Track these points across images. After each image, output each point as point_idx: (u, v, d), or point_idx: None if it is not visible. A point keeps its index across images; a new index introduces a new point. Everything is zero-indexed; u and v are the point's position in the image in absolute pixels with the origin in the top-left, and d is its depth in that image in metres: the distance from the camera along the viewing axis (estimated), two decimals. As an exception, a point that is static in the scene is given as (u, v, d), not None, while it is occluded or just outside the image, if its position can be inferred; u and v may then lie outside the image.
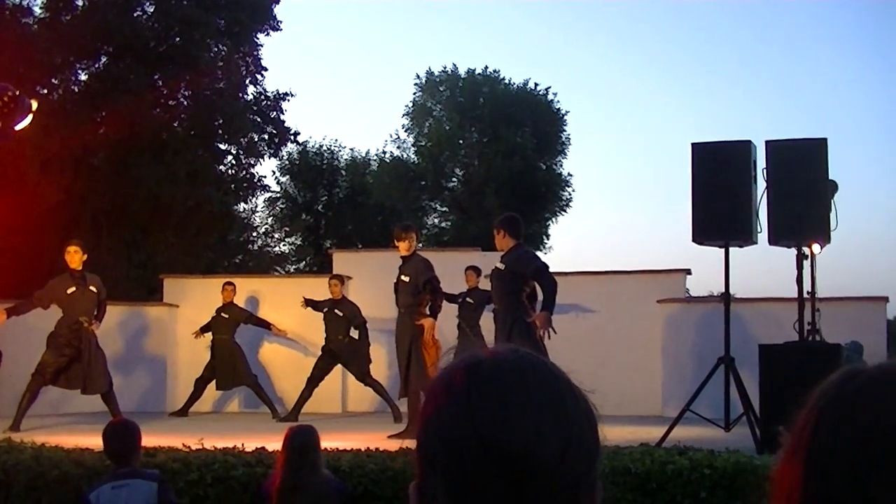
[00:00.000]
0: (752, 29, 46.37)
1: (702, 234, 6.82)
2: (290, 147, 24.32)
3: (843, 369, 0.80)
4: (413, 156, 28.61)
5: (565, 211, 28.10)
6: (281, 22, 20.39)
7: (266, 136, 20.82)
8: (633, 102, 44.75)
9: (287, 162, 28.72)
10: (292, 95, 20.63)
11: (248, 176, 21.12)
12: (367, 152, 30.40)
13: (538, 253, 10.00)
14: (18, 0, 17.58)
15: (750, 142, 6.84)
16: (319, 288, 10.09)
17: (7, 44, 15.95)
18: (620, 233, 46.01)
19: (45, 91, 17.29)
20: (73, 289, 8.08)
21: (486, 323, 8.34)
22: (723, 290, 7.09)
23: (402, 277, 7.57)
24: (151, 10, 19.06)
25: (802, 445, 0.76)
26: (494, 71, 28.02)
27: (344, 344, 9.56)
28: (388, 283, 7.92)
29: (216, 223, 19.62)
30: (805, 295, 6.73)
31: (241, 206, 23.40)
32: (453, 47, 50.99)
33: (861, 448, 0.72)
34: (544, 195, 27.14)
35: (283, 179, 29.33)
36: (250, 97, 20.35)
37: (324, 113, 49.13)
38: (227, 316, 10.04)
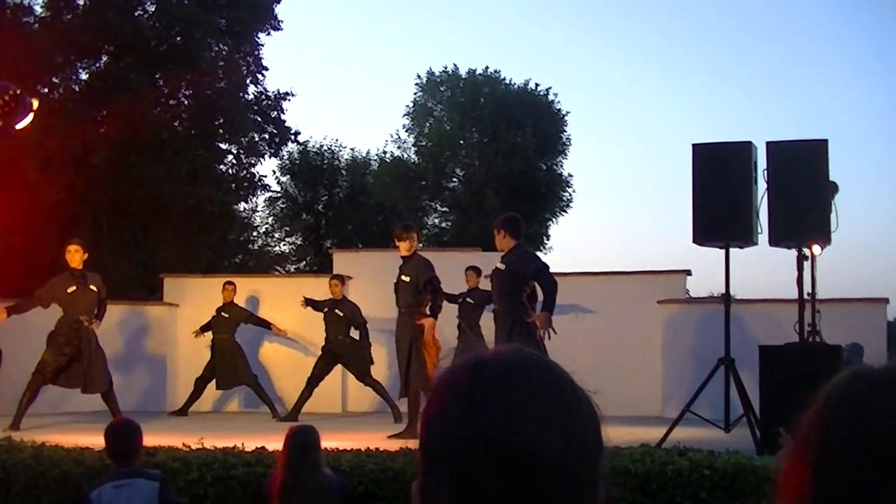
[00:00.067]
0: (753, 30, 46.40)
1: (702, 234, 6.82)
2: (291, 147, 24.35)
3: (850, 370, 0.80)
4: (413, 156, 28.62)
5: (566, 211, 28.13)
6: (282, 21, 20.43)
7: (267, 136, 20.83)
8: (633, 103, 44.78)
9: (287, 161, 28.73)
10: (293, 95, 20.67)
11: (248, 175, 21.13)
12: (368, 152, 30.45)
13: (538, 253, 10.01)
14: (19, -1, 17.59)
15: (751, 143, 6.84)
16: (320, 288, 10.09)
17: (8, 43, 15.95)
18: (621, 233, 46.04)
19: (46, 90, 17.30)
20: (74, 288, 8.08)
21: (486, 323, 8.34)
22: (723, 290, 7.10)
23: (403, 277, 7.57)
24: (152, 9, 19.07)
25: (810, 446, 0.76)
26: (495, 71, 28.05)
27: (344, 344, 9.56)
28: (388, 283, 7.92)
29: (216, 223, 19.62)
30: (805, 296, 6.73)
31: (242, 205, 23.42)
32: (454, 47, 51.06)
33: (869, 449, 0.72)
34: (545, 195, 27.14)
35: (283, 179, 29.36)
36: (251, 97, 20.36)
37: (324, 113, 49.15)
38: (227, 315, 10.04)
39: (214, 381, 9.98)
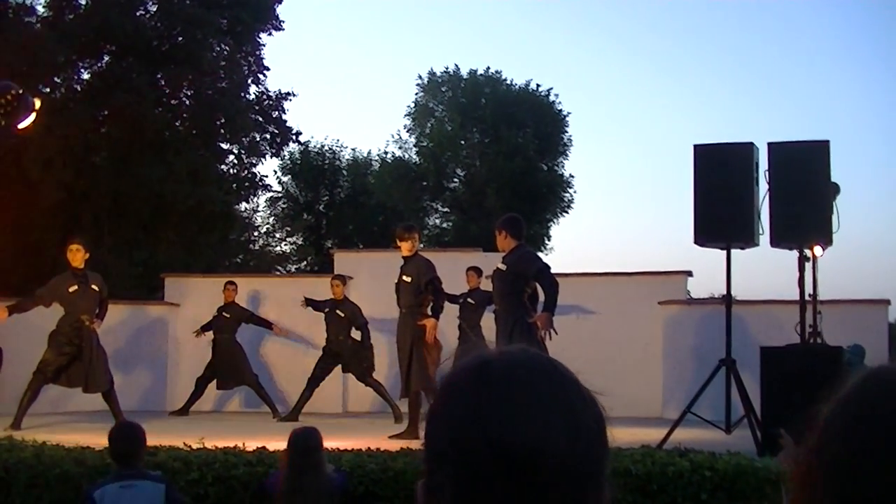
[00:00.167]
0: (754, 31, 46.39)
1: (703, 235, 6.81)
2: (292, 147, 24.37)
3: (865, 371, 0.80)
4: (415, 156, 28.63)
5: (566, 212, 28.12)
6: (283, 22, 20.44)
7: (268, 136, 20.83)
8: (635, 104, 44.77)
9: (289, 162, 28.75)
10: (294, 95, 20.67)
11: (249, 175, 21.14)
12: (369, 152, 30.47)
13: (539, 254, 10.00)
14: (21, -2, 17.60)
15: (752, 144, 6.83)
16: (321, 288, 10.09)
17: (10, 42, 15.97)
18: (622, 234, 46.00)
19: (48, 90, 17.30)
20: (75, 287, 8.08)
21: (487, 324, 8.34)
22: (724, 291, 7.10)
23: (404, 278, 7.57)
24: (154, 9, 19.08)
25: (824, 446, 0.76)
26: (496, 72, 28.06)
27: (345, 345, 9.56)
28: (389, 283, 7.92)
29: (217, 222, 19.63)
30: (806, 297, 6.73)
31: (243, 205, 23.44)
32: (455, 48, 51.06)
33: (884, 448, 0.72)
34: (546, 196, 27.14)
35: (284, 179, 29.38)
36: (252, 97, 20.37)
37: (325, 113, 49.17)
38: (228, 315, 10.04)
39: (215, 380, 9.98)
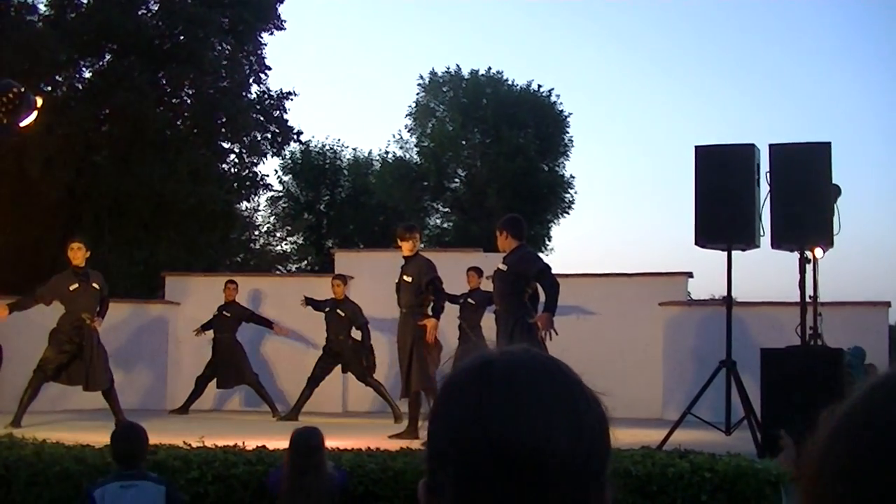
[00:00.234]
0: (756, 32, 46.38)
1: (704, 236, 6.81)
2: (293, 146, 24.38)
3: (874, 379, 0.80)
4: (415, 156, 28.63)
5: (567, 213, 28.12)
6: (285, 21, 20.43)
7: (269, 135, 20.84)
8: (636, 105, 44.76)
9: (290, 161, 28.75)
10: (295, 95, 20.67)
11: (250, 175, 21.14)
12: (370, 152, 30.48)
13: (540, 254, 9.99)
14: (23, -3, 17.60)
15: (753, 145, 6.83)
16: (321, 287, 10.09)
17: (11, 41, 15.97)
18: (622, 235, 46.01)
19: (49, 88, 17.31)
20: (76, 285, 8.08)
21: (488, 324, 8.34)
22: (724, 293, 7.09)
23: (405, 277, 7.57)
24: (156, 8, 19.09)
25: (829, 452, 0.76)
26: (497, 72, 28.06)
27: (345, 344, 9.56)
28: (389, 283, 7.92)
29: (218, 222, 19.63)
30: (807, 299, 6.73)
31: (244, 204, 23.44)
32: (457, 48, 51.07)
33: (890, 455, 0.72)
34: (546, 197, 27.14)
35: (285, 178, 29.38)
36: (253, 96, 20.37)
37: (327, 112, 49.19)
38: (229, 314, 10.04)
39: (215, 379, 9.98)
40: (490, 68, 28.10)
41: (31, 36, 16.48)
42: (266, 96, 20.50)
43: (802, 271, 6.68)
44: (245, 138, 20.26)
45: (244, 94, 20.01)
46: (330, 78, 49.25)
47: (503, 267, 6.73)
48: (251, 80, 20.22)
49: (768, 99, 46.13)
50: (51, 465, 4.80)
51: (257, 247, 27.06)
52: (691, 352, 9.54)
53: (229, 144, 20.60)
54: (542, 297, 6.72)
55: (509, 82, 27.96)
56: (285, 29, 20.44)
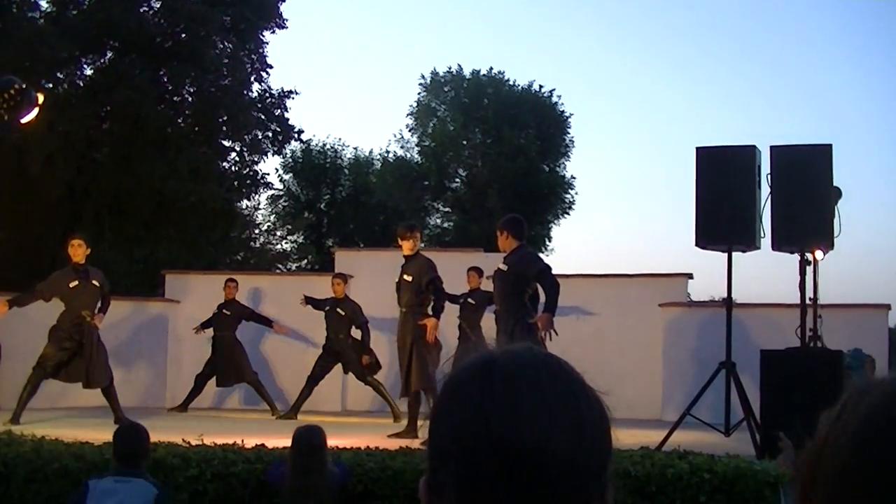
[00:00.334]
0: (757, 34, 46.37)
1: (705, 238, 6.81)
2: (294, 145, 24.36)
3: (864, 383, 0.80)
4: (416, 156, 28.63)
5: (568, 213, 28.12)
6: (287, 20, 20.43)
7: (270, 134, 20.84)
8: (637, 106, 44.75)
9: (290, 160, 28.74)
10: (297, 93, 20.67)
11: (251, 173, 21.14)
12: (371, 151, 30.48)
13: (540, 255, 9.99)
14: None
15: (755, 147, 6.83)
16: (321, 286, 10.09)
17: (13, 37, 15.97)
18: (623, 236, 46.00)
19: (50, 85, 17.31)
20: (76, 283, 8.08)
21: (488, 324, 8.34)
22: (724, 294, 7.09)
23: (406, 277, 7.57)
24: (157, 5, 19.09)
25: (822, 458, 0.76)
26: (499, 72, 28.05)
27: (345, 343, 9.55)
28: (389, 282, 7.92)
29: (219, 220, 19.63)
30: (807, 301, 6.73)
31: (244, 203, 23.43)
32: (458, 48, 51.06)
33: (883, 462, 0.72)
34: (547, 197, 27.13)
35: (286, 177, 29.37)
36: (255, 94, 20.37)
37: (328, 111, 49.16)
38: (228, 312, 10.04)
39: (215, 378, 9.98)
40: (491, 68, 28.13)
41: (32, 33, 16.48)
42: (267, 95, 20.50)
43: (803, 273, 6.68)
44: (246, 137, 20.26)
45: (245, 92, 20.01)
46: (331, 77, 49.27)
47: (503, 267, 6.73)
48: (252, 79, 20.23)
49: (770, 101, 46.14)
50: (50, 462, 4.81)
51: (257, 245, 27.04)
52: (691, 353, 9.54)
53: (230, 143, 20.61)
54: (543, 298, 6.72)
55: (511, 82, 27.97)
56: (287, 28, 20.46)
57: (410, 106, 28.76)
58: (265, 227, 28.82)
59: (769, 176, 6.67)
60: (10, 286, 9.78)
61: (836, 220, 6.56)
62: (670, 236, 45.02)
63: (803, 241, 6.58)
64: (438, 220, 29.36)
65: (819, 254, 6.71)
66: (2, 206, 15.99)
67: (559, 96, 27.99)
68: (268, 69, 20.44)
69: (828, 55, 44.88)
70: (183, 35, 19.02)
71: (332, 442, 5.20)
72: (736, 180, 6.68)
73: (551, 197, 27.31)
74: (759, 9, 45.34)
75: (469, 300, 9.58)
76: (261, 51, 20.28)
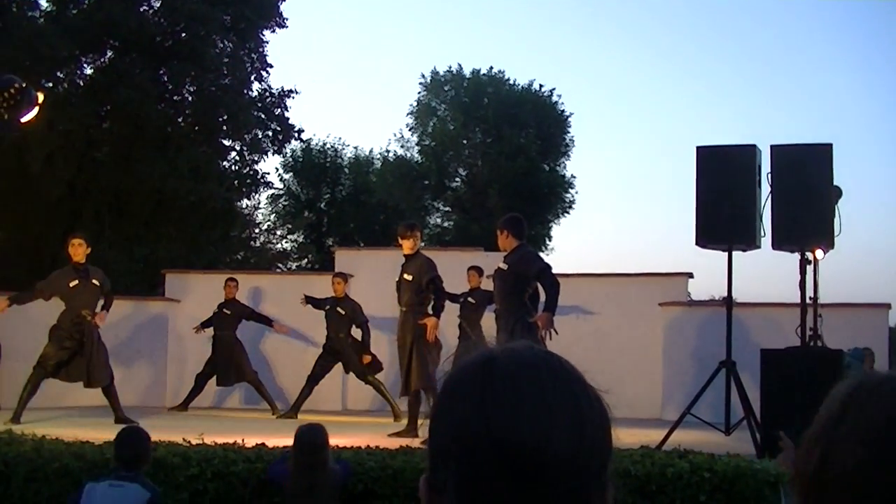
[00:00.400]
0: (757, 33, 46.36)
1: (705, 237, 6.81)
2: (294, 144, 24.37)
3: (854, 381, 0.80)
4: (416, 155, 28.63)
5: (568, 213, 28.13)
6: (287, 19, 20.44)
7: (270, 133, 20.84)
8: (637, 105, 44.75)
9: (290, 159, 28.74)
10: (297, 92, 20.68)
11: (251, 172, 21.15)
12: (371, 151, 30.49)
13: (540, 254, 9.99)
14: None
15: (755, 146, 6.83)
16: (321, 285, 10.09)
17: (13, 36, 15.97)
18: (623, 235, 46.01)
19: (51, 84, 17.31)
20: (76, 282, 8.08)
21: (488, 323, 8.34)
22: (725, 293, 7.09)
23: (406, 276, 7.57)
24: (157, 4, 19.09)
25: (822, 441, 0.76)
26: (499, 71, 28.05)
27: (345, 342, 9.55)
28: (389, 281, 7.92)
29: (219, 219, 19.64)
30: (807, 300, 6.73)
31: (244, 202, 23.44)
32: (458, 47, 51.06)
33: (876, 459, 0.72)
34: (547, 197, 27.13)
35: (286, 176, 29.37)
36: (255, 93, 20.37)
37: (328, 111, 49.17)
38: (229, 312, 10.04)
39: (215, 377, 9.98)
40: (492, 68, 28.12)
41: (32, 32, 16.48)
42: (267, 94, 20.50)
43: (803, 272, 6.68)
44: (246, 136, 20.27)
45: (245, 91, 20.01)
46: (331, 76, 49.28)
47: (504, 266, 6.73)
48: (252, 78, 20.23)
49: (770, 100, 46.14)
50: (50, 462, 4.81)
51: (257, 244, 27.03)
52: (691, 352, 9.54)
53: (230, 142, 20.61)
54: (543, 297, 6.72)
55: (511, 82, 27.97)
56: (287, 27, 20.46)
57: (410, 105, 28.79)
58: (265, 227, 28.82)
59: (769, 175, 6.66)
60: (11, 285, 9.78)
61: (836, 220, 6.56)
62: (670, 236, 45.05)
63: (803, 240, 6.58)
64: (438, 220, 29.37)
65: (819, 253, 6.71)
66: (2, 205, 15.99)
67: (559, 96, 28.04)
68: (268, 68, 20.46)
69: (828, 54, 44.88)
70: (183, 34, 19.03)
71: (333, 441, 5.19)
72: (736, 179, 6.68)
73: (551, 196, 27.31)
74: (760, 8, 45.35)
75: (469, 299, 9.58)
76: (261, 50, 20.28)
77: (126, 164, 17.80)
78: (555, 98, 27.90)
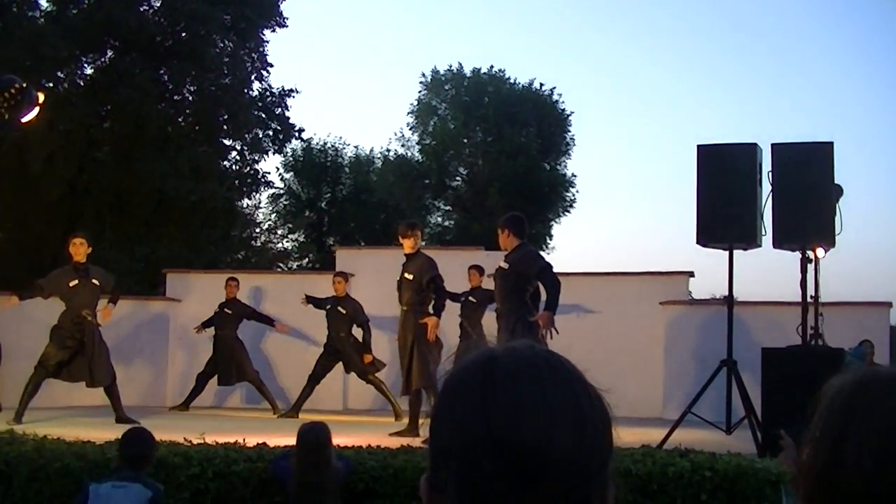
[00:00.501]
0: (758, 31, 46.33)
1: (706, 236, 6.81)
2: (295, 143, 24.39)
3: (853, 377, 0.80)
4: (417, 154, 28.62)
5: (569, 212, 28.12)
6: (287, 18, 20.46)
7: (270, 133, 20.85)
8: (637, 104, 44.73)
9: (291, 158, 28.75)
10: (297, 92, 20.70)
11: (252, 172, 21.16)
12: (372, 150, 30.50)
13: (541, 253, 10.00)
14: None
15: (756, 144, 6.82)
16: (322, 285, 10.09)
17: (13, 36, 15.98)
18: (623, 234, 46.00)
19: (51, 84, 17.32)
20: (76, 282, 8.09)
21: (489, 322, 8.34)
22: (726, 292, 7.09)
23: (406, 275, 7.57)
24: (158, 4, 19.10)
25: (829, 441, 0.76)
26: (500, 70, 28.04)
27: (346, 342, 9.55)
28: (390, 281, 7.92)
29: (219, 219, 19.65)
30: (808, 299, 6.72)
31: (245, 201, 23.45)
32: (459, 46, 51.03)
33: (874, 451, 0.72)
34: (548, 195, 27.13)
35: (286, 176, 29.38)
36: (255, 93, 20.38)
37: (328, 110, 49.16)
38: (230, 311, 10.04)
39: (216, 376, 9.99)
40: (492, 67, 28.11)
41: (32, 32, 16.48)
42: (268, 93, 20.51)
43: (804, 271, 6.67)
44: (246, 135, 20.28)
45: (246, 91, 20.02)
46: (332, 75, 49.29)
47: (504, 265, 6.73)
48: (253, 78, 20.24)
49: (771, 98, 46.09)
50: (51, 462, 4.81)
51: (258, 244, 27.04)
52: (692, 351, 9.54)
53: (231, 141, 20.62)
54: (544, 296, 6.72)
55: (511, 81, 27.95)
56: (287, 26, 20.48)
57: (411, 104, 28.78)
58: (266, 226, 28.85)
59: (770, 174, 6.66)
60: (11, 285, 9.78)
61: (837, 218, 6.56)
62: (671, 234, 45.02)
63: (804, 238, 6.58)
64: (439, 219, 29.37)
65: (820, 252, 6.71)
66: (3, 204, 16.00)
67: (560, 94, 28.01)
68: (268, 68, 20.47)
69: (829, 53, 44.85)
70: (183, 34, 19.03)
71: (334, 440, 5.20)
72: (737, 178, 6.68)
73: (552, 195, 27.30)
74: (761, 6, 45.32)
75: (470, 298, 9.58)
76: (261, 49, 20.29)
77: (127, 164, 17.80)
78: (555, 97, 27.92)
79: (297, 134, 21.39)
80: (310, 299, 9.81)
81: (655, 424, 7.53)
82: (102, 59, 18.90)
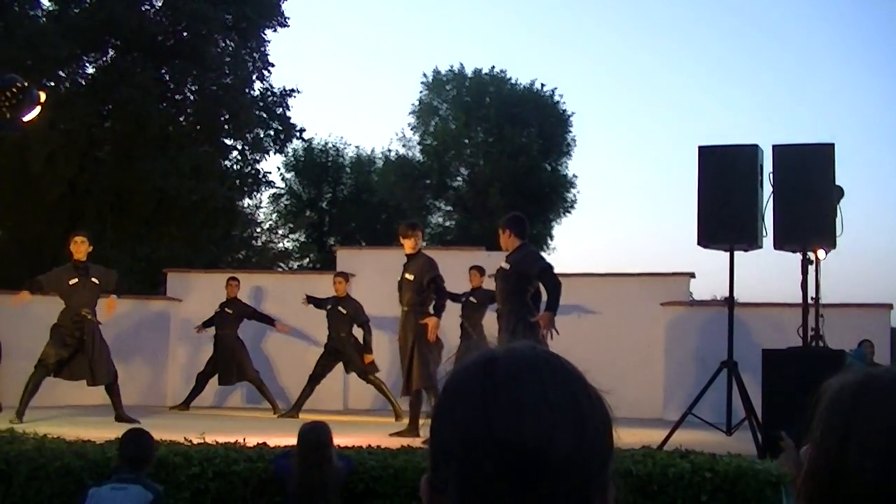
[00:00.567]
0: (760, 32, 46.32)
1: (707, 237, 6.81)
2: (296, 143, 24.38)
3: (856, 377, 0.80)
4: (418, 154, 28.63)
5: (570, 212, 28.11)
6: (288, 18, 20.45)
7: (272, 132, 20.85)
8: (638, 105, 44.72)
9: (292, 158, 28.76)
10: (298, 92, 20.68)
11: (253, 171, 21.15)
12: (373, 150, 30.50)
13: (542, 253, 10.00)
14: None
15: (757, 146, 6.82)
16: (323, 285, 10.09)
17: (15, 36, 15.98)
18: (624, 235, 46.00)
19: (52, 84, 17.32)
20: (75, 280, 8.09)
21: (489, 322, 8.34)
22: (726, 293, 7.09)
23: (407, 275, 7.57)
24: (159, 4, 19.10)
25: (833, 443, 0.76)
26: (501, 71, 28.04)
27: (347, 342, 9.55)
28: (390, 281, 7.92)
29: (220, 218, 19.65)
30: (809, 300, 6.72)
31: (246, 201, 23.45)
32: (460, 46, 50.97)
33: (876, 450, 0.72)
34: (549, 196, 27.13)
35: (287, 176, 29.39)
36: (256, 93, 20.38)
37: (329, 110, 49.18)
38: (230, 311, 10.05)
39: (216, 376, 9.99)
40: (493, 67, 28.11)
41: (34, 31, 16.49)
42: (269, 93, 20.51)
43: (805, 272, 6.67)
44: (248, 135, 20.27)
45: (247, 90, 20.01)
46: (333, 75, 49.29)
47: (505, 266, 6.73)
48: (254, 77, 20.24)
49: (772, 99, 46.09)
50: (52, 461, 4.81)
51: (259, 244, 27.03)
52: (693, 352, 9.53)
53: (232, 141, 20.62)
54: (545, 297, 6.72)
55: (512, 81, 27.95)
56: (289, 26, 20.47)
57: (412, 104, 28.77)
58: (267, 226, 28.84)
59: (771, 175, 6.66)
60: (11, 284, 9.79)
61: (838, 220, 6.55)
62: (672, 235, 45.01)
63: (805, 240, 6.58)
64: (440, 219, 29.36)
65: (821, 253, 6.71)
66: (3, 204, 16.01)
67: (561, 95, 28.01)
68: (269, 67, 20.46)
69: (830, 54, 44.84)
70: (185, 33, 19.03)
71: (334, 440, 5.21)
72: (738, 179, 6.68)
73: (553, 196, 27.30)
74: (763, 8, 45.30)
75: (471, 299, 9.58)
76: (262, 49, 20.29)
77: (128, 164, 17.80)
78: (556, 97, 27.91)
79: (298, 134, 21.39)
80: (310, 299, 9.81)
81: (656, 425, 7.52)
82: (104, 59, 18.91)
